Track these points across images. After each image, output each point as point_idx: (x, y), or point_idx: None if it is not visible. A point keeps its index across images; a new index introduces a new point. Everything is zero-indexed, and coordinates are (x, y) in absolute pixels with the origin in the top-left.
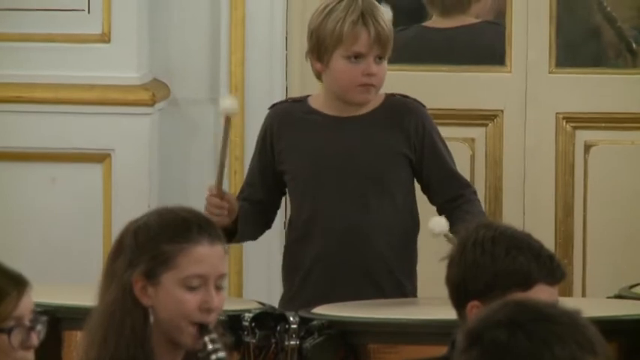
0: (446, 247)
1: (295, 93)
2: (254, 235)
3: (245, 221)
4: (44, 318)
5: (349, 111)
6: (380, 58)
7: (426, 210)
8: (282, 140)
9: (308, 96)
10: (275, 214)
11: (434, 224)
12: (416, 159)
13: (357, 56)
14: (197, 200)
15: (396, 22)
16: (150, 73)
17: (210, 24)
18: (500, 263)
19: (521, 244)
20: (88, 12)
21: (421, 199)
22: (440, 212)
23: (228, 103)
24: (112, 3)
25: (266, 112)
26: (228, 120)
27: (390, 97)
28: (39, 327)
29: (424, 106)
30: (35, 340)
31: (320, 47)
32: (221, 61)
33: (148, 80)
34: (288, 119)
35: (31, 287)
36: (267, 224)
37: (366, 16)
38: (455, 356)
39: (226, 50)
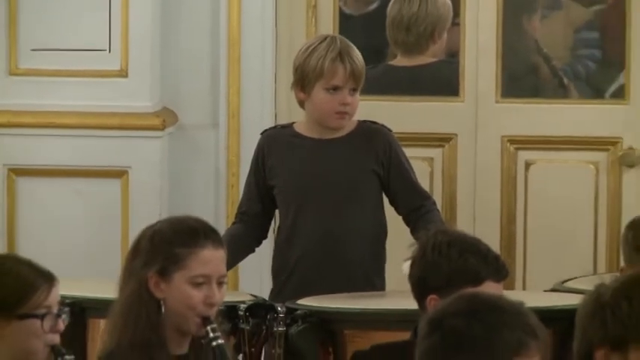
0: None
1: (283, 119)
2: (248, 252)
3: (233, 254)
4: (67, 308)
5: (328, 134)
6: (354, 90)
7: (395, 218)
8: (271, 160)
9: (293, 122)
10: (269, 224)
11: (406, 267)
12: (384, 174)
13: (335, 88)
14: (200, 208)
15: (366, 61)
16: (161, 102)
17: (211, 61)
18: (454, 264)
19: (472, 248)
20: (109, 51)
21: (390, 210)
22: (405, 221)
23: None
24: (130, 44)
25: (258, 135)
26: None
27: (362, 123)
28: (64, 315)
29: (390, 130)
30: (62, 325)
31: (303, 80)
32: (220, 92)
33: (159, 108)
34: (276, 142)
35: (58, 282)
36: (262, 235)
37: (343, 55)
38: (418, 341)
39: (225, 83)
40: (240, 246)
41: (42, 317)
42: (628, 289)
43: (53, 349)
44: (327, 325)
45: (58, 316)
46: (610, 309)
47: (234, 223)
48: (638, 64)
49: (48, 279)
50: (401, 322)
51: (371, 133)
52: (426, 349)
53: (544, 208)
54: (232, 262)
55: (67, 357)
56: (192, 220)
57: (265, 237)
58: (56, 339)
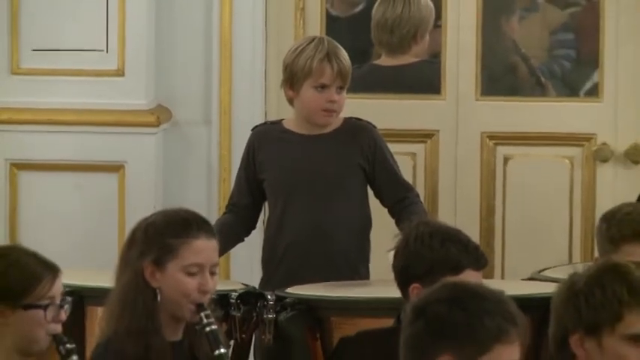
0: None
1: (273, 116)
2: (238, 241)
3: (223, 242)
4: (70, 299)
5: (316, 130)
6: (341, 88)
7: (380, 210)
8: (261, 154)
9: (283, 119)
10: (258, 215)
11: (390, 256)
12: (369, 168)
13: (323, 87)
14: (193, 201)
15: (352, 61)
16: (155, 100)
17: (204, 61)
18: (436, 253)
19: (453, 238)
20: (107, 52)
21: (374, 202)
22: (390, 212)
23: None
24: (126, 45)
25: (249, 131)
26: None
27: (348, 120)
28: (66, 306)
29: (375, 127)
30: (64, 316)
31: (292, 78)
32: (213, 90)
33: (154, 106)
34: (266, 137)
35: (62, 273)
36: (252, 225)
37: (330, 55)
38: (402, 327)
39: (217, 82)
40: (230, 235)
41: (45, 307)
42: (600, 276)
43: (55, 338)
44: (315, 312)
45: (61, 306)
46: (584, 296)
47: (224, 214)
48: (611, 63)
49: (52, 270)
50: (385, 310)
51: (356, 129)
52: (410, 334)
53: (522, 200)
54: (222, 249)
55: (68, 345)
56: (185, 212)
57: (254, 227)
58: (58, 328)
